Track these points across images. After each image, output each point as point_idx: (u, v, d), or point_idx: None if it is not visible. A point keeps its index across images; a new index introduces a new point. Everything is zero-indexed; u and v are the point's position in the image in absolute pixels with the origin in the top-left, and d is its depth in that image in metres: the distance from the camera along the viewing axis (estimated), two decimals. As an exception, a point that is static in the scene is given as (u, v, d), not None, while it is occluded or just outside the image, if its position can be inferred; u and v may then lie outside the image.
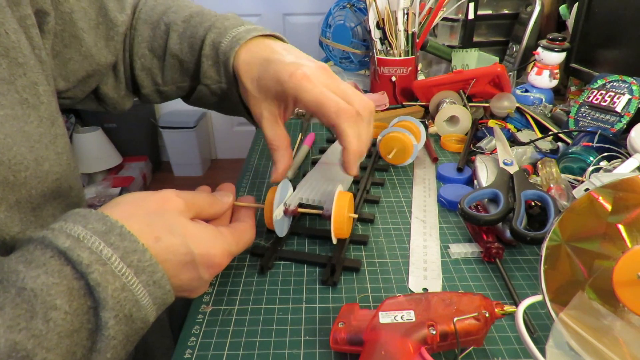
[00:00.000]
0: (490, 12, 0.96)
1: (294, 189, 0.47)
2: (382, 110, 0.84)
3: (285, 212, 0.43)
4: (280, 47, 0.44)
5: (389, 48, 0.85)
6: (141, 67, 0.51)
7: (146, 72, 0.51)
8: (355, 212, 0.48)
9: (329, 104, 0.39)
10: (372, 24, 0.84)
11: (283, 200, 0.43)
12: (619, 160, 0.52)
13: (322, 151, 0.68)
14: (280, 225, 0.43)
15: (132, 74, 0.52)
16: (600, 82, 0.64)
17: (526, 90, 0.82)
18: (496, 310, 0.32)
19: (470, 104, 0.77)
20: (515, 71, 0.93)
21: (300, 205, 0.45)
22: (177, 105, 2.46)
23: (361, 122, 0.40)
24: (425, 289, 0.40)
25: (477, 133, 0.70)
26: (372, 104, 0.43)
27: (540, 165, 0.54)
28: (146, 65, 0.51)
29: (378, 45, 0.86)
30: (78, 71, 0.45)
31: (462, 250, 0.45)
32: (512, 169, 0.52)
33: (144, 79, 0.52)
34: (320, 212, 0.43)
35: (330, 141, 0.73)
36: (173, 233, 0.32)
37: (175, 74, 0.51)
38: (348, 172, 0.42)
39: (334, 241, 0.43)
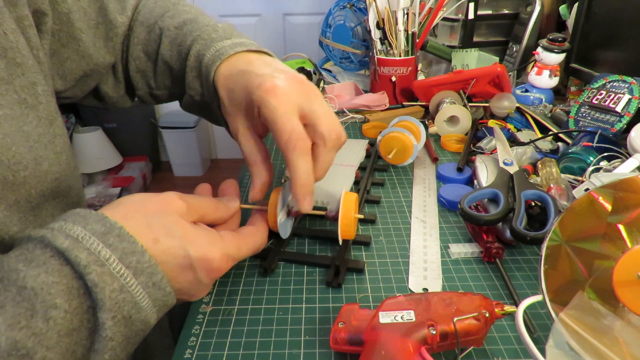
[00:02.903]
0: (490, 12, 0.96)
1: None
2: (382, 110, 0.84)
3: (289, 213, 0.43)
4: (260, 60, 0.41)
5: (389, 48, 0.85)
6: (136, 69, 0.51)
7: (141, 75, 0.51)
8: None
9: (283, 129, 0.36)
10: (372, 24, 0.84)
11: (286, 202, 0.43)
12: (619, 160, 0.52)
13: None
14: (284, 226, 0.43)
15: (127, 75, 0.52)
16: (600, 82, 0.64)
17: (526, 90, 0.82)
18: (496, 310, 0.32)
19: (470, 104, 0.77)
20: (515, 71, 0.93)
21: None
22: (177, 105, 2.46)
23: (323, 148, 0.38)
24: (425, 289, 0.40)
25: (477, 133, 0.70)
26: (343, 131, 0.40)
27: (540, 165, 0.54)
28: (141, 67, 0.50)
29: (378, 45, 0.86)
30: (75, 70, 0.45)
31: (462, 250, 0.45)
32: (512, 169, 0.52)
33: (138, 80, 0.51)
34: (323, 213, 0.43)
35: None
36: (171, 235, 0.31)
37: (166, 79, 0.50)
38: (299, 206, 0.38)
39: (340, 242, 0.42)
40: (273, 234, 0.46)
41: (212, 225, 0.38)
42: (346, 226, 0.41)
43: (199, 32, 0.45)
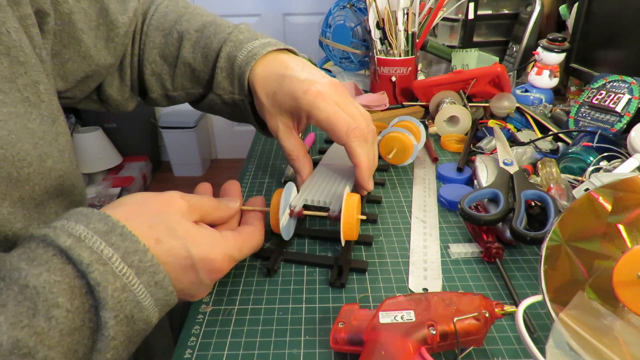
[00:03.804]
0: (490, 12, 0.96)
1: (298, 190, 0.47)
2: (382, 110, 0.84)
3: (291, 214, 0.43)
4: (294, 63, 0.46)
5: (389, 48, 0.85)
6: (151, 72, 0.52)
7: (156, 78, 0.52)
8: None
9: (340, 123, 0.41)
10: (372, 24, 0.84)
11: (288, 203, 0.43)
12: (619, 160, 0.52)
13: (322, 152, 0.68)
14: (286, 228, 0.43)
15: (141, 78, 0.53)
16: (600, 82, 0.64)
17: (526, 90, 0.82)
18: (496, 310, 0.32)
19: (470, 104, 0.77)
20: (515, 71, 0.93)
21: (306, 207, 0.44)
22: (177, 105, 2.46)
23: (368, 141, 0.43)
24: (425, 289, 0.40)
25: (477, 133, 0.70)
26: (374, 127, 0.46)
27: (540, 165, 0.54)
28: (156, 71, 0.52)
29: (378, 45, 0.86)
30: (77, 72, 0.45)
31: (462, 250, 0.45)
32: (512, 169, 0.52)
33: (153, 84, 0.52)
34: (326, 213, 0.43)
35: (329, 142, 0.73)
36: (174, 236, 0.31)
37: (185, 81, 0.51)
38: (364, 187, 0.45)
39: (343, 243, 0.42)
40: (274, 235, 0.46)
41: (212, 224, 0.38)
42: (349, 227, 0.41)
43: (224, 34, 0.48)
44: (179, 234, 0.32)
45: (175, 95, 0.53)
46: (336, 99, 0.43)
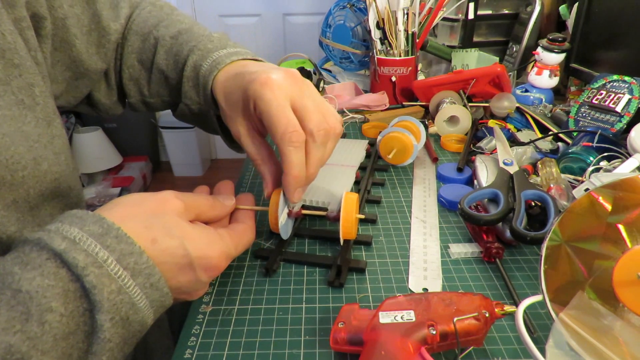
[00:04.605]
0: (490, 12, 0.96)
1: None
2: (382, 110, 0.84)
3: (289, 214, 0.43)
4: (253, 63, 0.43)
5: (389, 48, 0.85)
6: (129, 76, 0.51)
7: (134, 82, 0.52)
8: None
9: (279, 122, 0.36)
10: (372, 24, 0.84)
11: (287, 203, 0.43)
12: (619, 160, 0.52)
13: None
14: (285, 228, 0.43)
15: (120, 82, 0.52)
16: (600, 82, 0.64)
17: (526, 90, 0.82)
18: (496, 310, 0.32)
19: (470, 104, 0.77)
20: (515, 71, 0.93)
21: (304, 207, 0.44)
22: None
23: (312, 144, 0.37)
24: (425, 289, 0.40)
25: (477, 133, 0.70)
26: (334, 125, 0.39)
27: (540, 165, 0.54)
28: (134, 75, 0.51)
29: (378, 45, 0.86)
30: (65, 72, 0.45)
31: (462, 250, 0.45)
32: (512, 169, 0.52)
33: (131, 88, 0.52)
34: (324, 213, 0.43)
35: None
36: (170, 235, 0.31)
37: (160, 88, 0.51)
38: (288, 197, 0.39)
39: (342, 242, 0.43)
40: (274, 235, 0.46)
41: (207, 222, 0.38)
42: (347, 227, 0.41)
43: (195, 42, 0.46)
44: (175, 233, 0.32)
45: (152, 102, 0.52)
46: (288, 89, 0.37)
